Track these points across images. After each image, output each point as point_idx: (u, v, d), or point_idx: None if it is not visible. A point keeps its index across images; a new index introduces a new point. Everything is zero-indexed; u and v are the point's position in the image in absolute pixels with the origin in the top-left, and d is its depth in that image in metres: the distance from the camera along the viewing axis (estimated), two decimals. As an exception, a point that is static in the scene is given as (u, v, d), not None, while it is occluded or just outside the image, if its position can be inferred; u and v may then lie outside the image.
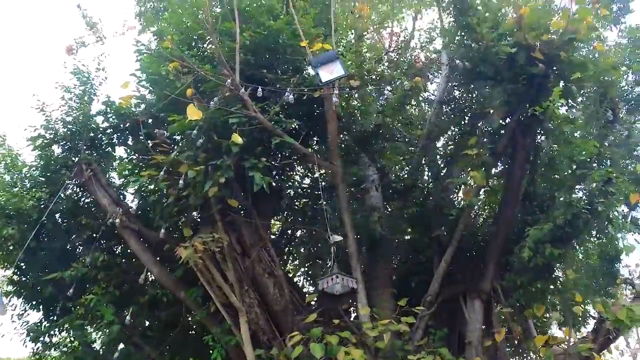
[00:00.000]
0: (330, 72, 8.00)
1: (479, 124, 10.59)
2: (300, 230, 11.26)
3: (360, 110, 9.37)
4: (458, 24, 8.80)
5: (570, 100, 8.25)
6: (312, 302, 8.87)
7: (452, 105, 11.02)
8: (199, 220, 9.21)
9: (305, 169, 11.21)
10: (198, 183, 8.21)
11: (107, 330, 8.91)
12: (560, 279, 8.85)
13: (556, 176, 9.23)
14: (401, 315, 7.74)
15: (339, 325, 7.65)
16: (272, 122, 8.32)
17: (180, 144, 9.50)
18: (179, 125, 8.52)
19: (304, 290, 10.93)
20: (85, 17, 11.42)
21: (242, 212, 9.01)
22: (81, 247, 10.12)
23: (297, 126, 8.94)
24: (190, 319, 9.80)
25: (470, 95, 10.84)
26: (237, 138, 7.79)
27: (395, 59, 11.08)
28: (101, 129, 10.26)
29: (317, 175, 9.93)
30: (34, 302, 10.06)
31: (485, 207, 9.88)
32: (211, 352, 8.80)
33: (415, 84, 9.47)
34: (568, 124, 7.50)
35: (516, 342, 8.93)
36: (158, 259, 9.33)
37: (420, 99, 12.04)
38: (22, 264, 9.82)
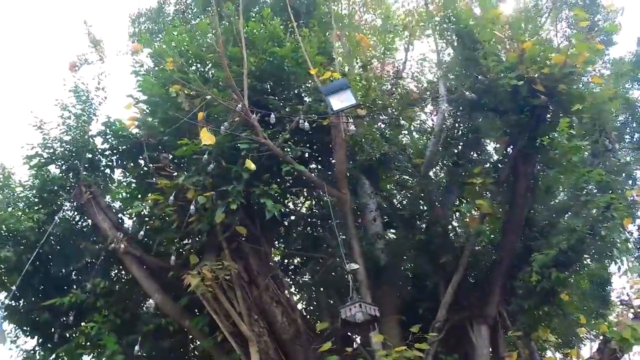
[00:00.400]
0: (341, 101, 8.06)
1: (473, 153, 10.86)
2: (299, 258, 11.13)
3: (366, 138, 9.46)
4: (462, 57, 9.06)
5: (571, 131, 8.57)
6: (320, 331, 8.76)
7: (446, 134, 11.23)
8: (198, 247, 9.00)
9: (306, 196, 11.15)
10: (207, 209, 8.12)
11: (110, 361, 8.57)
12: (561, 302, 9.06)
13: (554, 202, 9.53)
14: (409, 342, 7.75)
15: (352, 354, 7.61)
16: (280, 148, 8.32)
17: (183, 169, 9.38)
18: (188, 149, 8.44)
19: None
20: (90, 34, 11.19)
21: (246, 239, 8.88)
22: (78, 272, 9.75)
23: (302, 154, 8.94)
24: (195, 348, 9.54)
25: (462, 124, 11.06)
26: (250, 164, 7.77)
27: (392, 89, 11.30)
28: (100, 150, 10.06)
29: (327, 203, 9.86)
30: (26, 328, 9.61)
31: (488, 233, 10.03)
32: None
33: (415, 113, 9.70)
34: (575, 152, 7.80)
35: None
36: (160, 286, 9.06)
37: (412, 128, 12.25)
38: (14, 288, 9.36)
